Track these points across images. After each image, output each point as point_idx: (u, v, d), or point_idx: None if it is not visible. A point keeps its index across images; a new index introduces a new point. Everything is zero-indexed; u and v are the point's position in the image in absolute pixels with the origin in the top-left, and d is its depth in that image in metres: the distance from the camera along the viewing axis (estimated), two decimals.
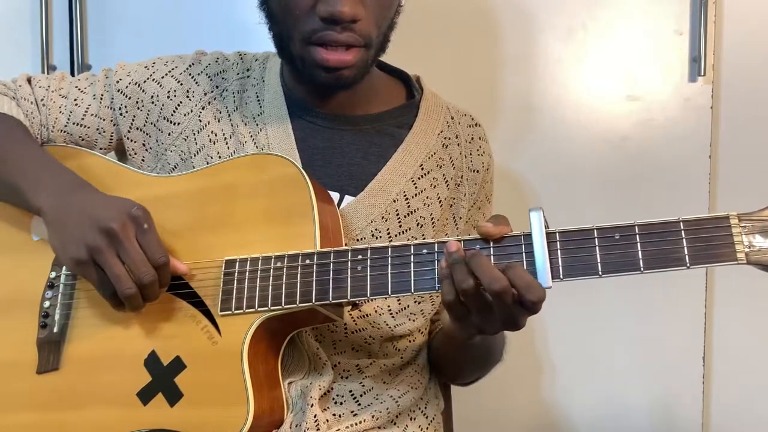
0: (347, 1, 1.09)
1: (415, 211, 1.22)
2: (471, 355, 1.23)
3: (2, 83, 1.30)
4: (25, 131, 1.25)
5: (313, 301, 1.04)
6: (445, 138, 1.28)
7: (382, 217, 1.20)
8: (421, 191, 1.23)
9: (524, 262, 0.96)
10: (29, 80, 1.31)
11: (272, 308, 1.05)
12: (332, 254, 1.04)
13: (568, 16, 1.70)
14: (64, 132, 1.28)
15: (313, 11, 1.11)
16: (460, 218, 1.28)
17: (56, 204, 1.11)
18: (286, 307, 1.05)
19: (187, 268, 1.10)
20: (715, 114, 1.69)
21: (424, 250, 1.00)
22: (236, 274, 1.08)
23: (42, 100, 1.28)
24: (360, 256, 1.03)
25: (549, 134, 1.71)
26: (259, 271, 1.07)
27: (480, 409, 1.72)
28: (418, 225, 1.22)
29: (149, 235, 1.05)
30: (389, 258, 1.02)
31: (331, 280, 1.04)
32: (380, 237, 1.19)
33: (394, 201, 1.21)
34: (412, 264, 1.01)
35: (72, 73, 1.78)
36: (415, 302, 1.22)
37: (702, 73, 1.66)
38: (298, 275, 1.05)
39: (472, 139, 1.31)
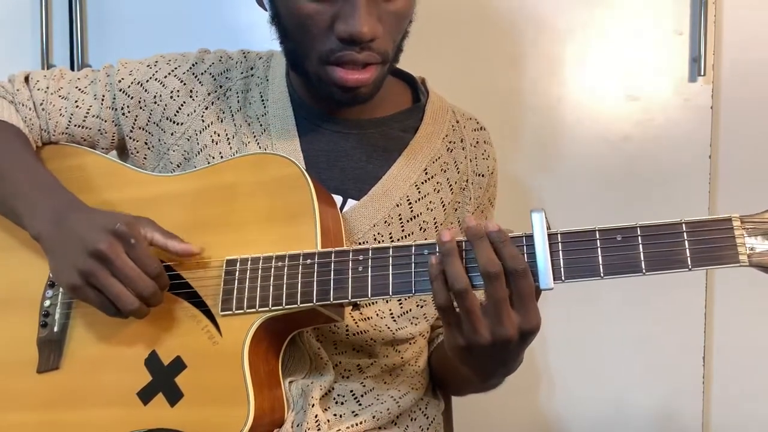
0: (366, 21, 1.06)
1: (418, 215, 1.22)
2: (465, 377, 1.21)
3: (0, 85, 1.29)
4: (24, 141, 1.24)
5: (314, 301, 1.03)
6: (450, 142, 1.28)
7: (385, 221, 1.20)
8: (425, 196, 1.23)
9: None
10: (27, 80, 1.30)
11: (273, 308, 1.05)
12: (333, 254, 1.04)
13: (568, 17, 1.70)
14: (66, 134, 1.28)
15: (330, 30, 1.09)
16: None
17: (50, 230, 1.11)
18: (286, 307, 1.04)
19: (199, 248, 1.10)
20: (715, 114, 1.69)
21: (426, 251, 1.00)
22: (237, 273, 1.08)
23: (41, 103, 1.27)
24: (361, 257, 1.03)
25: (549, 134, 1.71)
26: (259, 271, 1.07)
27: (480, 409, 1.72)
28: (420, 229, 1.22)
29: (138, 248, 1.05)
30: (390, 258, 1.02)
31: (332, 281, 1.03)
32: (382, 241, 1.19)
33: (397, 205, 1.21)
34: (413, 265, 1.00)
35: None
36: (417, 306, 1.22)
37: (702, 73, 1.66)
38: (299, 275, 1.05)
39: (477, 143, 1.31)
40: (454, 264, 0.94)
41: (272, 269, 1.06)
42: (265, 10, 1.20)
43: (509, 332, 0.93)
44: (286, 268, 1.06)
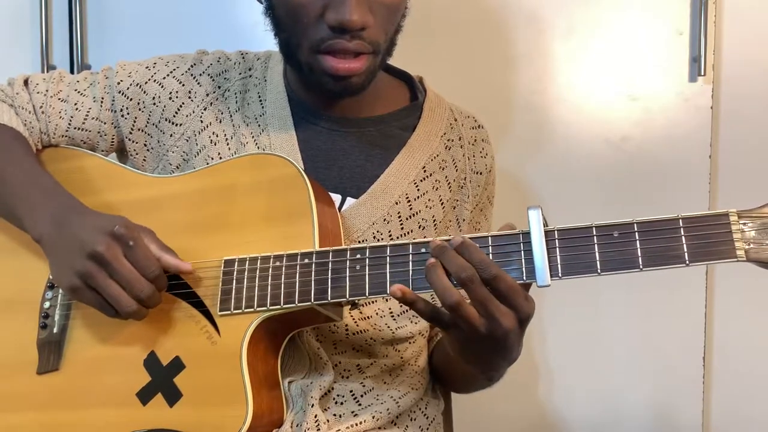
0: (356, 10, 1.08)
1: (417, 213, 1.22)
2: (469, 374, 1.21)
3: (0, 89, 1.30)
4: (24, 144, 1.24)
5: (312, 300, 1.03)
6: (448, 140, 1.28)
7: (384, 219, 1.20)
8: (423, 193, 1.23)
9: (523, 260, 0.96)
10: (26, 83, 1.30)
11: (271, 308, 1.05)
12: (331, 253, 1.04)
13: (569, 16, 1.70)
14: (65, 137, 1.28)
15: (321, 19, 1.10)
16: (464, 220, 1.28)
17: (51, 232, 1.11)
18: (284, 306, 1.04)
19: (191, 266, 1.10)
20: (715, 114, 1.68)
21: (423, 249, 1.00)
22: (235, 273, 1.08)
23: (41, 107, 1.27)
24: (359, 255, 1.03)
25: (549, 134, 1.71)
26: (257, 271, 1.07)
27: (480, 409, 1.72)
28: (419, 227, 1.22)
29: (137, 250, 1.05)
30: (388, 257, 1.02)
31: (329, 280, 1.03)
32: (381, 239, 1.19)
33: (396, 203, 1.21)
34: (410, 263, 1.00)
35: (71, 73, 1.78)
36: None
37: (702, 73, 1.66)
38: (297, 275, 1.05)
39: (476, 141, 1.31)
40: (452, 258, 0.94)
41: (270, 269, 1.06)
42: (261, 2, 1.21)
43: (507, 325, 0.94)
44: (284, 268, 1.06)
